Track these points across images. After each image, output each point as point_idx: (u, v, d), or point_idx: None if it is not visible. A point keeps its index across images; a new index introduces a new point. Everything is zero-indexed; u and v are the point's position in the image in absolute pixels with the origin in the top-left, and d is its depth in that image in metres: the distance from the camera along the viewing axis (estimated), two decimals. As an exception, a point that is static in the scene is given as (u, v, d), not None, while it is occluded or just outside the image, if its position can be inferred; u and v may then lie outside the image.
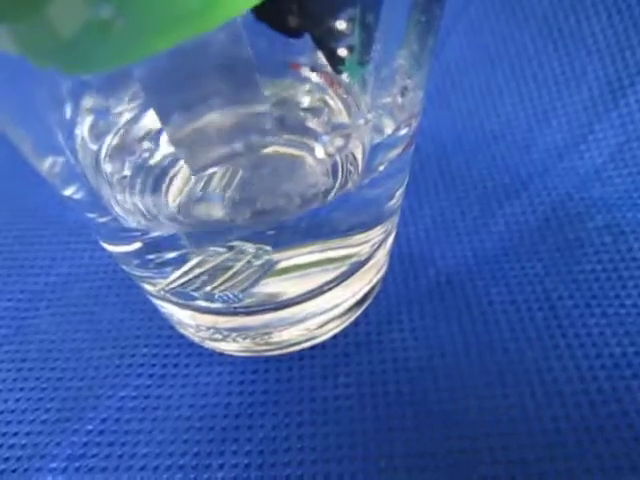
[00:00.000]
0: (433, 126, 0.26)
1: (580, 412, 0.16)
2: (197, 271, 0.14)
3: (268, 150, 0.14)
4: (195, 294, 0.15)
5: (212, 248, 0.13)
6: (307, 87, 0.15)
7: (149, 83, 0.10)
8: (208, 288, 0.14)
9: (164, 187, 0.14)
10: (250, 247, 0.13)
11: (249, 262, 0.14)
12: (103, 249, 0.21)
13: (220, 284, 0.14)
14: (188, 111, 0.11)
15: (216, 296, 0.15)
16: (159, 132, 0.15)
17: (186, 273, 0.14)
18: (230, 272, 0.14)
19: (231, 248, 0.13)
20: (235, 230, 0.13)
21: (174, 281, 0.15)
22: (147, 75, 0.10)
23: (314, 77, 0.15)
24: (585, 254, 0.20)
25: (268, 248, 0.13)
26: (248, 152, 0.13)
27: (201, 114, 0.11)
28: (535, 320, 0.18)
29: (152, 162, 0.14)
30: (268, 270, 0.14)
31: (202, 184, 0.14)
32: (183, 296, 0.15)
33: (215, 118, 0.12)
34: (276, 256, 0.14)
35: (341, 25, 0.12)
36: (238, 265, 0.14)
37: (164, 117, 0.12)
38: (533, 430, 0.16)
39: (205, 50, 0.10)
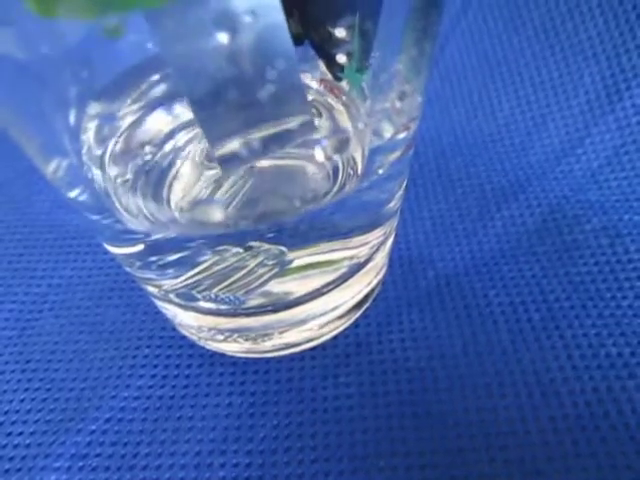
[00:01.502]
0: (432, 130, 0.26)
1: (577, 412, 0.16)
2: (210, 271, 0.14)
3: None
4: (198, 296, 0.15)
5: (234, 249, 0.13)
6: (307, 93, 0.16)
7: (199, 107, 0.11)
8: (215, 289, 0.15)
9: (165, 191, 0.14)
10: (265, 248, 0.13)
11: (262, 262, 0.14)
12: (105, 252, 0.21)
13: (231, 283, 0.15)
14: (235, 130, 0.12)
15: (219, 298, 0.15)
16: (164, 138, 0.15)
17: (199, 273, 0.14)
18: (243, 272, 0.14)
19: (249, 248, 0.13)
20: (248, 233, 0.14)
21: (183, 280, 0.15)
22: (198, 99, 0.10)
23: (314, 83, 0.15)
24: (582, 256, 0.20)
25: (284, 249, 0.14)
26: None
27: (246, 131, 0.12)
28: (532, 321, 0.18)
29: (153, 165, 0.15)
30: (280, 271, 0.14)
31: (205, 188, 0.14)
32: (186, 297, 0.15)
33: (258, 133, 0.12)
34: (288, 256, 0.14)
35: (340, 33, 0.12)
36: (252, 264, 0.14)
37: (213, 139, 0.12)
38: (530, 429, 0.16)
39: (255, 70, 0.10)
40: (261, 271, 0.14)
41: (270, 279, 0.14)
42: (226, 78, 0.10)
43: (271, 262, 0.14)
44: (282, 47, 0.10)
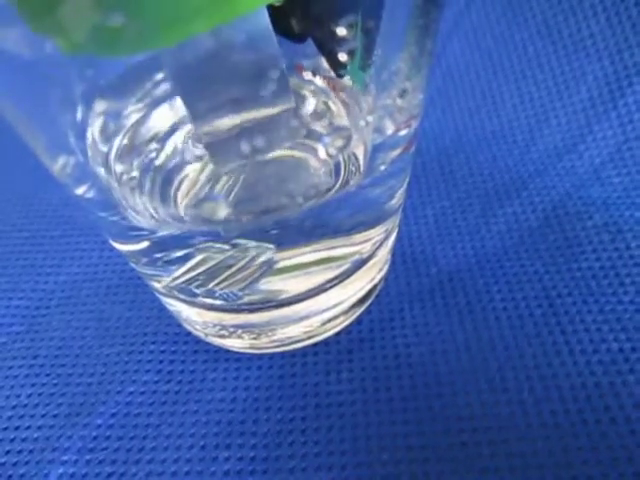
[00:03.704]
0: (434, 127, 0.26)
1: (578, 406, 0.16)
2: (201, 268, 0.14)
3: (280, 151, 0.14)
4: (197, 291, 0.15)
5: (218, 245, 0.14)
6: (310, 90, 0.16)
7: (181, 82, 0.11)
8: (210, 285, 0.15)
9: (172, 188, 0.15)
10: (253, 245, 0.14)
11: (251, 260, 0.14)
12: (111, 249, 0.21)
13: (221, 281, 0.15)
14: (218, 110, 0.12)
15: (217, 294, 0.15)
16: (167, 134, 0.15)
17: (190, 270, 0.14)
18: (232, 270, 0.14)
19: (235, 246, 0.14)
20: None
21: (178, 277, 0.15)
22: (179, 74, 0.11)
23: (317, 81, 0.16)
24: (584, 252, 0.20)
25: (270, 246, 0.14)
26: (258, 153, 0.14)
27: (229, 113, 0.12)
28: (534, 317, 0.18)
29: (158, 163, 0.15)
30: (269, 268, 0.15)
31: (209, 185, 0.15)
32: (186, 292, 0.16)
33: (242, 117, 0.12)
34: (279, 255, 0.14)
35: (343, 30, 0.12)
36: (240, 263, 0.14)
37: (195, 115, 0.12)
38: (532, 424, 0.16)
39: (234, 50, 0.11)
40: (252, 268, 0.14)
41: (262, 276, 0.15)
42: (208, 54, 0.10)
43: (260, 260, 0.14)
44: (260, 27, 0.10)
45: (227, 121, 0.12)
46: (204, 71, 0.11)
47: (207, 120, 0.12)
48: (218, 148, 0.13)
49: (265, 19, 0.11)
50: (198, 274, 0.15)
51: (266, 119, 0.12)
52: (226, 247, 0.14)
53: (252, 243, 0.14)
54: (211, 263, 0.14)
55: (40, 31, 0.08)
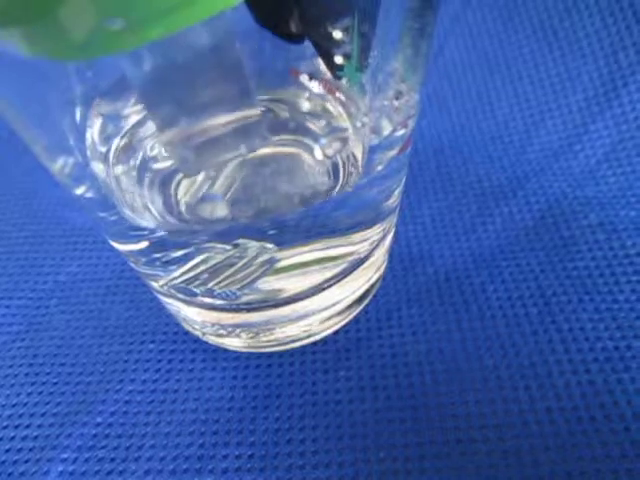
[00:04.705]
0: (431, 127, 0.26)
1: (573, 403, 0.16)
2: (201, 267, 0.14)
3: (265, 151, 0.15)
4: (196, 290, 0.15)
5: (219, 245, 0.14)
6: (307, 94, 0.16)
7: (145, 90, 0.11)
8: (210, 284, 0.15)
9: (172, 188, 0.15)
10: (254, 245, 0.14)
11: (252, 259, 0.14)
12: (111, 249, 0.21)
13: (222, 280, 0.15)
14: (184, 117, 0.12)
15: (215, 293, 0.15)
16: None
17: (190, 270, 0.15)
18: (232, 269, 0.14)
19: (236, 245, 0.14)
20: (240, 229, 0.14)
21: (178, 277, 0.15)
22: (143, 82, 0.11)
23: (314, 84, 0.16)
24: (579, 251, 0.20)
25: (271, 246, 0.14)
26: (248, 154, 0.14)
27: (195, 120, 0.12)
28: (530, 316, 0.19)
29: (157, 163, 0.15)
30: (269, 268, 0.15)
31: (207, 185, 0.15)
32: (185, 292, 0.16)
33: (210, 124, 0.12)
34: (278, 254, 0.14)
35: (339, 33, 0.12)
36: (241, 262, 0.14)
37: (159, 123, 0.12)
38: (528, 421, 0.16)
39: (198, 57, 0.11)
40: (252, 268, 0.14)
41: (262, 275, 0.15)
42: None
43: (259, 260, 0.14)
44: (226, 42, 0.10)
45: (192, 128, 0.12)
46: (166, 77, 0.11)
47: (171, 127, 0.12)
48: (184, 155, 0.13)
49: (227, 22, 0.11)
50: (198, 274, 0.15)
51: (231, 125, 0.12)
52: (227, 247, 0.14)
53: (253, 243, 0.14)
54: (211, 263, 0.14)
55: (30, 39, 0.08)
